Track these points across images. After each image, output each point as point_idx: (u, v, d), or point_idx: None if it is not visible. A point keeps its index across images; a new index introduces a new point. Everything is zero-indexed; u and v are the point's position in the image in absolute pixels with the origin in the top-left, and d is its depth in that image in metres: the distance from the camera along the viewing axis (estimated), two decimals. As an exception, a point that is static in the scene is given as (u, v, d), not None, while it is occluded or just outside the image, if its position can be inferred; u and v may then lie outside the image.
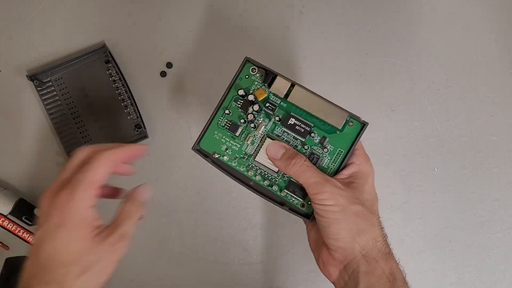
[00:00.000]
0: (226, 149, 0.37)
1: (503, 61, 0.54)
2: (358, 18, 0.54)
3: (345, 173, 0.35)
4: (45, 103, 0.50)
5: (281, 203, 0.37)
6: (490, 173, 0.52)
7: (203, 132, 0.37)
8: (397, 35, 0.54)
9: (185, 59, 0.53)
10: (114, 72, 0.51)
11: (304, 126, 0.36)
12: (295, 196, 0.36)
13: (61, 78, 0.51)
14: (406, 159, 0.52)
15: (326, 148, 0.36)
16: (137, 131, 0.50)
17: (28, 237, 0.46)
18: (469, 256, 0.51)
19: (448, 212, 0.52)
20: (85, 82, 0.51)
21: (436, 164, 0.52)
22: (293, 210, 0.36)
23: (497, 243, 0.51)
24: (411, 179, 0.52)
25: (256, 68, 0.37)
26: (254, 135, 0.37)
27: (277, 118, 0.37)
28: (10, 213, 0.46)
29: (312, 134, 0.36)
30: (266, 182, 0.37)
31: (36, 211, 0.48)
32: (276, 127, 0.37)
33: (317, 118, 0.36)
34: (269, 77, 0.36)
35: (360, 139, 0.36)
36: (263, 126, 0.37)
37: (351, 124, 0.36)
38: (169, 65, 0.52)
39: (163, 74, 0.52)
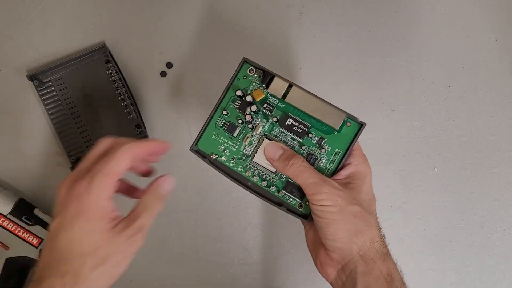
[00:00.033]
0: (224, 149, 0.37)
1: (503, 61, 0.54)
2: (358, 18, 0.54)
3: (342, 174, 0.35)
4: (45, 103, 0.50)
5: (279, 203, 0.37)
6: (490, 173, 0.52)
7: (201, 133, 0.37)
8: (397, 35, 0.54)
9: (185, 59, 0.53)
10: (114, 72, 0.51)
11: (301, 127, 0.36)
12: (292, 197, 0.36)
13: (61, 78, 0.51)
14: (406, 159, 0.52)
15: (323, 148, 0.36)
16: (137, 131, 0.50)
17: (28, 237, 0.46)
18: (469, 256, 0.51)
19: (448, 212, 0.52)
20: (85, 82, 0.51)
21: (436, 164, 0.52)
22: (291, 210, 0.36)
23: (497, 243, 0.51)
24: (411, 179, 0.52)
25: (254, 68, 0.37)
26: (252, 135, 0.37)
27: (274, 119, 0.37)
28: (10, 213, 0.46)
29: (310, 135, 0.36)
30: (264, 183, 0.37)
31: (35, 212, 0.48)
32: (274, 127, 0.37)
33: (314, 118, 0.36)
34: (266, 77, 0.36)
35: (357, 140, 0.36)
36: (261, 127, 0.37)
37: (348, 124, 0.36)
38: (169, 65, 0.52)
39: (163, 74, 0.52)
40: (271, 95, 0.37)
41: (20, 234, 0.46)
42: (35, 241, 0.46)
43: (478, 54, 0.54)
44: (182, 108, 0.52)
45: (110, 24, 0.53)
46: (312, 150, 0.36)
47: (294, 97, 0.36)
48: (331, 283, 0.35)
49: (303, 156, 0.36)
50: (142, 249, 0.52)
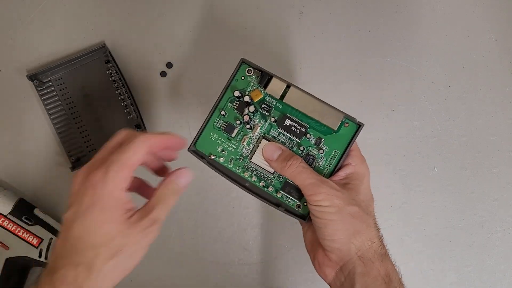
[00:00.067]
0: (222, 150, 0.37)
1: (503, 61, 0.54)
2: (358, 18, 0.54)
3: (341, 174, 0.35)
4: (45, 103, 0.50)
5: (277, 204, 0.37)
6: (490, 173, 0.52)
7: (199, 133, 0.37)
8: (397, 35, 0.54)
9: (185, 59, 0.53)
10: (114, 72, 0.51)
11: (299, 127, 0.36)
12: (290, 197, 0.36)
13: (61, 78, 0.51)
14: (406, 159, 0.52)
15: (321, 149, 0.36)
16: (137, 131, 0.50)
17: (28, 237, 0.46)
18: (469, 256, 0.51)
19: (448, 212, 0.52)
20: (85, 82, 0.51)
21: (436, 164, 0.52)
22: (289, 211, 0.36)
23: (497, 243, 0.51)
24: (411, 179, 0.52)
25: (252, 69, 0.37)
26: (250, 136, 0.37)
27: (272, 119, 0.37)
28: (10, 213, 0.46)
29: (308, 135, 0.36)
30: (262, 183, 0.37)
31: (35, 212, 0.48)
32: (272, 128, 0.37)
33: (312, 119, 0.36)
34: (264, 78, 0.36)
35: (355, 140, 0.36)
36: (259, 127, 0.37)
37: (346, 125, 0.36)
38: (169, 65, 0.52)
39: (163, 74, 0.52)
40: (269, 95, 0.37)
41: (20, 234, 0.46)
42: (35, 241, 0.46)
43: (478, 54, 0.54)
44: (182, 108, 0.52)
45: (110, 24, 0.53)
46: (310, 151, 0.36)
47: (292, 98, 0.36)
48: (329, 284, 0.35)
49: (301, 157, 0.36)
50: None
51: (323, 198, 0.32)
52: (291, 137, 0.36)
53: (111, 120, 0.51)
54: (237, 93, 0.36)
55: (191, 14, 0.53)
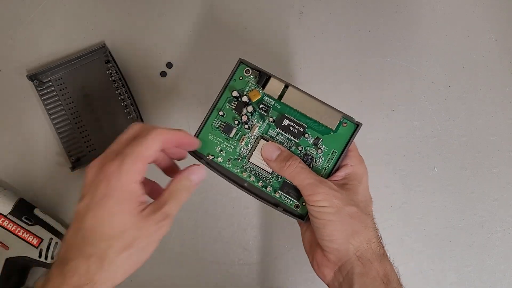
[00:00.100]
0: (220, 150, 0.37)
1: (503, 61, 0.54)
2: (358, 18, 0.54)
3: (339, 175, 0.35)
4: (45, 103, 0.50)
5: (276, 204, 0.37)
6: (490, 173, 0.52)
7: (197, 133, 0.37)
8: (397, 35, 0.54)
9: (185, 59, 0.53)
10: (114, 72, 0.51)
11: (298, 127, 0.36)
12: (289, 197, 0.36)
13: (61, 78, 0.51)
14: (406, 159, 0.52)
15: (320, 149, 0.36)
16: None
17: (28, 237, 0.46)
18: (469, 256, 0.51)
19: (448, 212, 0.52)
20: (85, 82, 0.51)
21: (436, 164, 0.52)
22: (287, 211, 0.36)
23: (497, 243, 0.51)
24: (411, 179, 0.52)
25: (250, 69, 0.37)
26: (248, 136, 0.37)
27: (271, 119, 0.37)
28: (10, 213, 0.46)
29: (306, 135, 0.36)
30: (261, 183, 0.37)
31: (35, 212, 0.48)
32: (270, 128, 0.37)
33: (311, 119, 0.36)
34: (263, 78, 0.36)
35: (354, 140, 0.36)
36: (257, 128, 0.37)
37: (345, 125, 0.36)
38: (169, 65, 0.52)
39: (163, 74, 0.52)
40: (267, 95, 0.37)
41: (20, 234, 0.46)
42: (35, 241, 0.46)
43: (478, 54, 0.54)
44: (182, 108, 0.52)
45: (110, 24, 0.53)
46: (309, 151, 0.36)
47: (290, 98, 0.36)
48: (328, 284, 0.35)
49: (300, 157, 0.36)
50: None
51: (322, 198, 0.32)
52: (290, 137, 0.36)
53: (111, 120, 0.51)
54: (235, 93, 0.36)
55: (191, 14, 0.53)
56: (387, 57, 0.54)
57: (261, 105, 0.37)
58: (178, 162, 0.36)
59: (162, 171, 0.36)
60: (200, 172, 0.33)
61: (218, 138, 0.37)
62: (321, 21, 0.54)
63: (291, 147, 0.36)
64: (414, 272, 0.51)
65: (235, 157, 0.37)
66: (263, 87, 0.36)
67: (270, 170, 0.36)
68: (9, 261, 0.46)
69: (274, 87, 0.36)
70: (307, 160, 0.36)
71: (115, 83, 0.51)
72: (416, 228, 0.51)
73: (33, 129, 0.51)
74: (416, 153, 0.52)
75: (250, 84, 0.37)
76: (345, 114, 0.35)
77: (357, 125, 0.36)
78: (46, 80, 0.51)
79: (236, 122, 0.37)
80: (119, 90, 0.51)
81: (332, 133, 0.36)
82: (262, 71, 0.37)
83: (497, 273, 0.51)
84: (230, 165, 0.37)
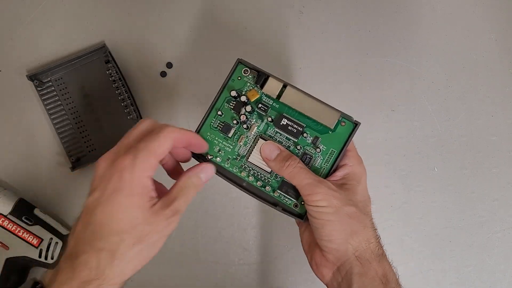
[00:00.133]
0: (219, 150, 0.37)
1: (503, 61, 0.54)
2: (358, 18, 0.54)
3: (338, 175, 0.35)
4: (45, 103, 0.50)
5: (274, 203, 0.36)
6: (490, 173, 0.52)
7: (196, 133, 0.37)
8: (397, 35, 0.54)
9: (185, 59, 0.53)
10: (114, 72, 0.51)
11: (296, 127, 0.36)
12: (288, 197, 0.36)
13: (61, 78, 0.51)
14: (406, 159, 0.52)
15: (318, 148, 0.36)
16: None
17: (28, 237, 0.46)
18: (469, 256, 0.51)
19: (448, 212, 0.52)
20: (85, 82, 0.51)
21: (436, 164, 0.52)
22: (286, 210, 0.36)
23: (497, 243, 0.51)
24: (411, 179, 0.52)
25: (248, 69, 0.37)
26: (247, 136, 0.37)
27: (269, 119, 0.37)
28: (10, 213, 0.46)
29: (305, 135, 0.36)
30: (259, 183, 0.37)
31: (35, 212, 0.48)
32: (269, 127, 0.37)
33: (309, 118, 0.36)
34: (261, 78, 0.36)
35: (352, 140, 0.36)
36: (256, 127, 0.37)
37: (343, 124, 0.36)
38: (169, 65, 0.52)
39: (163, 74, 0.52)
40: (266, 95, 0.37)
41: (20, 234, 0.46)
42: (35, 241, 0.46)
43: (478, 54, 0.54)
44: (182, 108, 0.52)
45: (110, 24, 0.53)
46: (307, 150, 0.36)
47: (288, 97, 0.36)
48: (326, 284, 0.35)
49: (298, 156, 0.36)
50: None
51: (321, 198, 0.32)
52: (288, 136, 0.36)
53: (111, 120, 0.51)
54: (233, 93, 0.36)
55: (191, 14, 0.53)
56: (387, 57, 0.54)
57: (260, 105, 0.37)
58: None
59: (167, 172, 0.36)
60: (209, 171, 0.33)
61: (216, 138, 0.37)
62: (321, 21, 0.54)
63: (290, 147, 0.36)
64: (414, 272, 0.51)
65: (234, 156, 0.37)
66: (262, 86, 0.36)
67: (269, 170, 0.36)
68: (9, 261, 0.46)
69: (272, 87, 0.36)
70: (306, 160, 0.36)
71: (115, 83, 0.51)
72: (416, 228, 0.51)
73: (33, 129, 0.51)
74: (416, 153, 0.52)
75: (248, 84, 0.37)
76: (343, 113, 0.35)
77: (356, 124, 0.36)
78: (46, 80, 0.51)
79: (235, 121, 0.37)
80: (119, 90, 0.51)
81: (330, 132, 0.36)
82: (260, 70, 0.37)
83: (497, 273, 0.51)
84: (229, 165, 0.37)
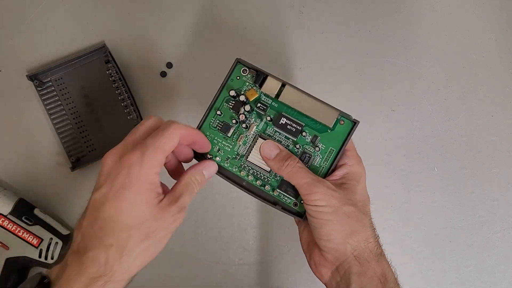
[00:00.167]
0: (218, 150, 0.37)
1: (503, 61, 0.54)
2: (358, 18, 0.54)
3: (337, 174, 0.35)
4: (45, 103, 0.50)
5: (274, 202, 0.37)
6: (490, 173, 0.52)
7: None
8: (397, 35, 0.54)
9: (185, 59, 0.53)
10: (114, 72, 0.51)
11: (295, 126, 0.36)
12: (287, 195, 0.36)
13: (61, 78, 0.51)
14: (406, 159, 0.52)
15: (317, 147, 0.36)
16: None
17: (28, 237, 0.46)
18: (469, 256, 0.51)
19: (448, 212, 0.52)
20: (85, 82, 0.51)
21: (436, 164, 0.52)
22: (285, 209, 0.36)
23: (497, 243, 0.51)
24: (411, 179, 0.52)
25: (247, 69, 0.37)
26: (246, 135, 0.37)
27: (268, 118, 0.37)
28: (10, 213, 0.46)
29: (304, 133, 0.36)
30: (259, 182, 0.37)
31: (35, 212, 0.48)
32: (268, 127, 0.37)
33: (308, 117, 0.36)
34: (260, 77, 0.37)
35: (351, 140, 0.36)
36: (255, 126, 0.37)
37: (342, 122, 0.36)
38: (169, 65, 0.52)
39: (163, 74, 0.52)
40: (265, 94, 0.37)
41: (20, 234, 0.46)
42: (35, 241, 0.46)
43: (478, 54, 0.54)
44: (182, 108, 0.52)
45: (110, 24, 0.53)
46: (306, 149, 0.36)
47: (287, 96, 0.36)
48: (325, 284, 0.35)
49: (297, 155, 0.36)
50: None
51: (320, 197, 0.32)
52: (287, 135, 0.36)
53: (111, 120, 0.51)
54: (232, 93, 0.36)
55: (191, 14, 0.53)
56: (387, 57, 0.54)
57: (259, 104, 0.37)
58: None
59: (168, 172, 0.36)
60: (212, 167, 0.34)
61: (216, 138, 0.37)
62: (321, 21, 0.54)
63: (289, 146, 0.36)
64: (414, 272, 0.51)
65: (233, 156, 0.37)
66: (260, 86, 0.37)
67: (268, 169, 0.36)
68: (9, 261, 0.46)
69: (271, 86, 0.36)
70: (305, 158, 0.36)
71: (115, 83, 0.51)
72: (416, 228, 0.51)
73: (33, 129, 0.51)
74: (416, 153, 0.52)
75: (247, 84, 0.37)
76: (342, 112, 0.36)
77: (354, 123, 0.36)
78: (46, 80, 0.51)
79: (234, 121, 0.37)
80: (119, 90, 0.51)
81: (329, 131, 0.36)
82: (259, 70, 0.37)
83: (497, 273, 0.51)
84: (229, 164, 0.37)
